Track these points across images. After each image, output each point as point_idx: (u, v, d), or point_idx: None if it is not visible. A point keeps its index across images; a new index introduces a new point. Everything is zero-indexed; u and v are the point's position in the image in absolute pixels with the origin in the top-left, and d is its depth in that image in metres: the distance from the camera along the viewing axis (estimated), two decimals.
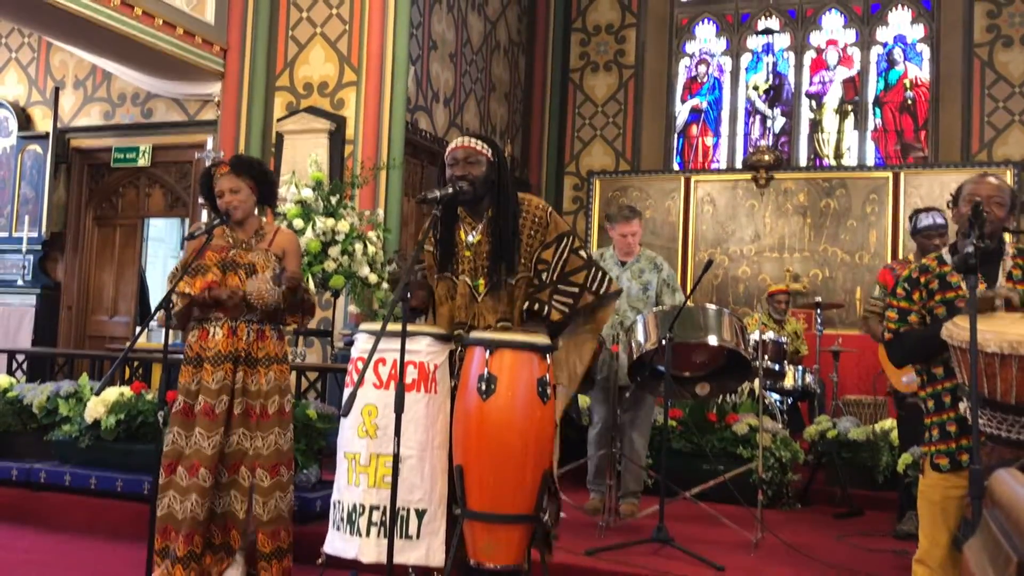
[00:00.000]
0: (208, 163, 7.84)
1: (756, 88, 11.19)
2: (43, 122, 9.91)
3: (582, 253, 3.49)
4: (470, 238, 3.49)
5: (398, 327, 3.08)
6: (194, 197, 9.03)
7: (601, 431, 5.35)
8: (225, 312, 3.84)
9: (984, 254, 3.20)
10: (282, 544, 3.83)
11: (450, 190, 3.40)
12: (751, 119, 11.25)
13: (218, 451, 3.74)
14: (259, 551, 3.79)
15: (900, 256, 9.44)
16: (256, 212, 4.04)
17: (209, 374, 3.78)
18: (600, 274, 3.49)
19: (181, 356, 3.97)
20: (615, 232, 5.41)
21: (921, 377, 3.42)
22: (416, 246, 3.47)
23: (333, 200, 6.25)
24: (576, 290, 3.41)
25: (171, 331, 3.93)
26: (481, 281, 3.45)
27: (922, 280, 3.34)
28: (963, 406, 3.25)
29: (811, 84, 11.10)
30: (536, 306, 3.38)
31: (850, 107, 10.92)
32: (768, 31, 11.01)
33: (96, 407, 5.15)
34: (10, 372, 6.53)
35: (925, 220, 5.30)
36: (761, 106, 11.15)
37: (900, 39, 10.78)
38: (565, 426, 4.20)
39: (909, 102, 10.69)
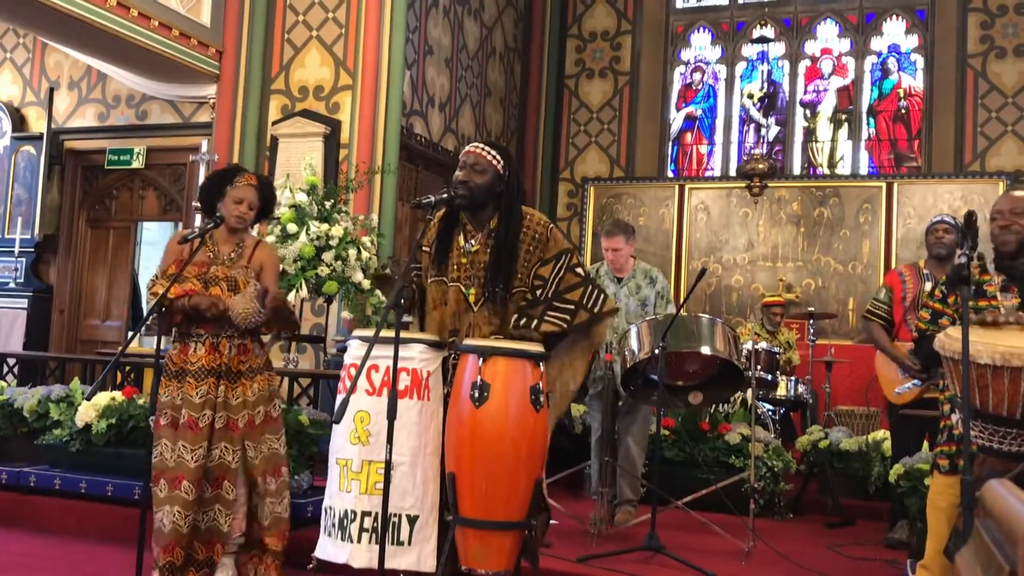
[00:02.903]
0: (203, 165, 7.86)
1: (751, 96, 11.21)
2: (37, 123, 9.89)
3: (579, 271, 3.48)
4: (468, 245, 3.49)
5: (391, 334, 3.08)
6: (188, 200, 9.01)
7: (600, 439, 5.34)
8: (206, 328, 3.83)
9: (1016, 269, 3.26)
10: (285, 543, 3.91)
11: (444, 195, 3.40)
12: (745, 127, 11.28)
13: (201, 465, 3.74)
14: (271, 551, 3.86)
15: (893, 266, 9.46)
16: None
17: (192, 388, 3.78)
18: (596, 292, 3.47)
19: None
20: (603, 246, 5.42)
21: (942, 380, 3.46)
22: (414, 246, 3.46)
23: (327, 204, 6.24)
24: (572, 307, 3.40)
25: (163, 336, 3.93)
26: (473, 291, 3.44)
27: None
28: (955, 418, 3.27)
29: (805, 93, 11.13)
30: (523, 320, 3.37)
31: (844, 116, 10.95)
32: (763, 39, 11.03)
33: (87, 411, 5.14)
34: (1, 376, 6.51)
35: (934, 218, 5.32)
36: (755, 114, 11.18)
37: (894, 49, 10.82)
38: (558, 434, 4.20)
39: (903, 111, 10.72)
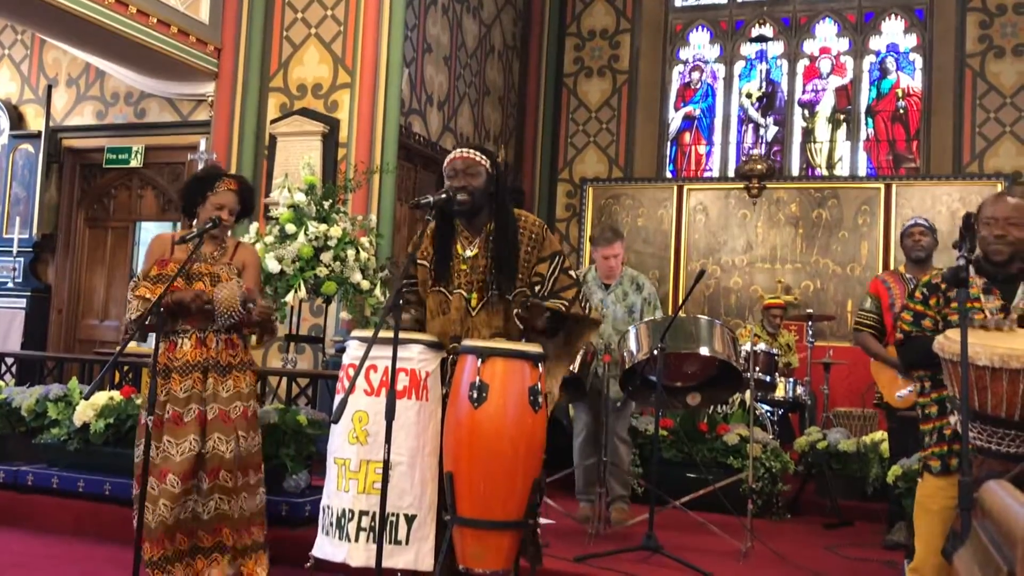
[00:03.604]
0: (201, 164, 7.83)
1: (749, 96, 11.20)
2: (35, 121, 9.87)
3: (571, 273, 3.56)
4: (467, 252, 3.50)
5: (390, 334, 3.08)
6: None
7: (585, 440, 5.35)
8: (193, 324, 3.87)
9: (1005, 273, 3.28)
10: (264, 536, 3.96)
11: (443, 195, 3.41)
12: (744, 127, 11.27)
13: (188, 458, 3.77)
14: (253, 542, 3.90)
15: (892, 267, 9.46)
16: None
17: (177, 383, 3.82)
18: (585, 297, 3.57)
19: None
20: (598, 255, 5.43)
21: (925, 383, 3.47)
22: (407, 258, 3.48)
23: (326, 204, 6.23)
24: (568, 301, 3.45)
25: (160, 334, 3.94)
26: (475, 295, 3.46)
27: (942, 287, 3.40)
28: (953, 419, 3.27)
29: (804, 92, 11.13)
30: (529, 300, 3.41)
31: (842, 116, 10.95)
32: (762, 38, 11.03)
33: (85, 411, 5.14)
34: None
35: (909, 221, 5.40)
36: (754, 114, 11.17)
37: (893, 48, 10.81)
38: (555, 434, 4.20)
39: (901, 112, 10.72)
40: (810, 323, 7.87)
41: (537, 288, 3.46)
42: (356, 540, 3.28)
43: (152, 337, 3.98)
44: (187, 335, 3.87)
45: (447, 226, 3.52)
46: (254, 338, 4.19)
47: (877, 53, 10.88)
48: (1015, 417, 2.98)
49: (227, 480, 3.81)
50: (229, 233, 4.13)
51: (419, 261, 3.57)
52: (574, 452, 5.45)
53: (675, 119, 11.50)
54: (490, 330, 3.44)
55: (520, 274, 3.48)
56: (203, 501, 3.81)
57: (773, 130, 11.14)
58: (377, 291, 6.17)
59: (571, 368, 4.90)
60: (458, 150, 3.53)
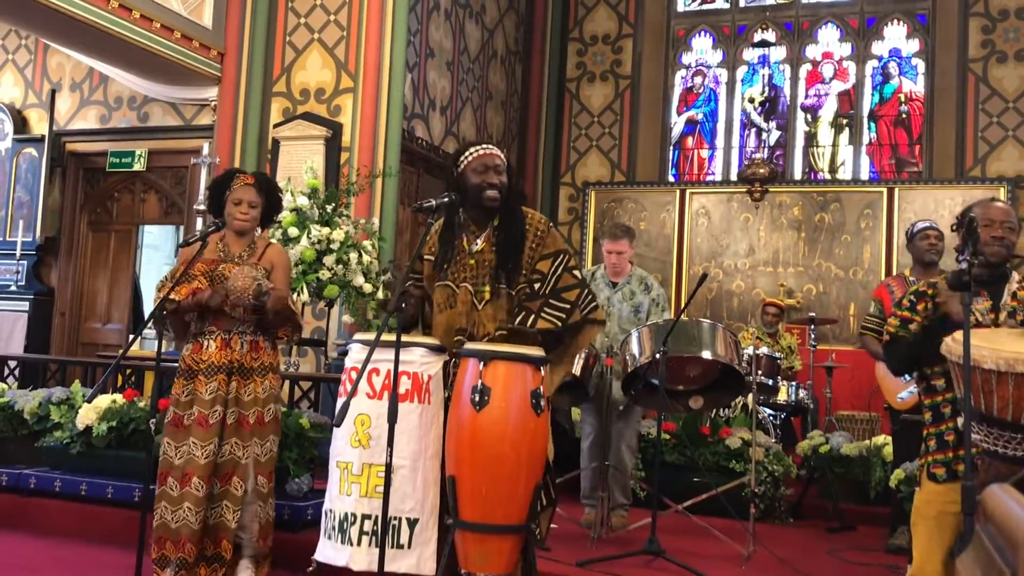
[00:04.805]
0: (204, 168, 7.85)
1: (752, 100, 11.20)
2: (39, 125, 9.88)
3: (576, 273, 3.52)
4: (474, 246, 3.51)
5: (392, 337, 3.08)
6: (189, 204, 9.00)
7: (593, 444, 5.34)
8: (218, 325, 3.86)
9: (992, 275, 3.29)
10: (270, 546, 3.97)
11: (445, 199, 3.41)
12: (746, 132, 11.27)
13: (212, 461, 3.77)
14: (259, 552, 3.92)
15: (895, 272, 9.45)
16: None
17: (203, 385, 3.81)
18: (590, 296, 3.53)
19: (173, 365, 3.99)
20: (603, 249, 5.44)
21: (922, 389, 3.47)
22: (413, 255, 3.48)
23: (329, 208, 6.23)
24: (568, 306, 3.43)
25: (163, 340, 3.94)
26: (486, 288, 3.46)
27: (930, 292, 3.40)
28: (961, 420, 3.27)
29: (806, 97, 11.13)
30: (521, 316, 3.38)
31: (845, 120, 10.94)
32: (764, 43, 11.02)
33: (88, 414, 5.14)
34: (2, 378, 6.51)
35: (921, 224, 5.36)
36: (756, 119, 11.17)
37: (895, 53, 10.81)
38: (556, 439, 4.20)
39: (904, 116, 10.72)
40: (812, 327, 7.87)
41: (537, 286, 3.45)
42: (358, 544, 3.28)
43: (160, 338, 3.94)
44: (212, 336, 3.87)
45: (452, 221, 3.53)
46: (283, 339, 4.15)
47: (879, 58, 10.88)
48: (1021, 420, 2.97)
49: (237, 488, 3.80)
50: (258, 231, 4.11)
51: (427, 257, 3.59)
52: (581, 456, 5.44)
53: (677, 123, 11.50)
54: (495, 323, 3.44)
55: (524, 270, 3.48)
56: (211, 506, 3.81)
57: (776, 134, 11.14)
58: (379, 294, 6.17)
59: (572, 372, 4.89)
60: (487, 147, 3.54)
